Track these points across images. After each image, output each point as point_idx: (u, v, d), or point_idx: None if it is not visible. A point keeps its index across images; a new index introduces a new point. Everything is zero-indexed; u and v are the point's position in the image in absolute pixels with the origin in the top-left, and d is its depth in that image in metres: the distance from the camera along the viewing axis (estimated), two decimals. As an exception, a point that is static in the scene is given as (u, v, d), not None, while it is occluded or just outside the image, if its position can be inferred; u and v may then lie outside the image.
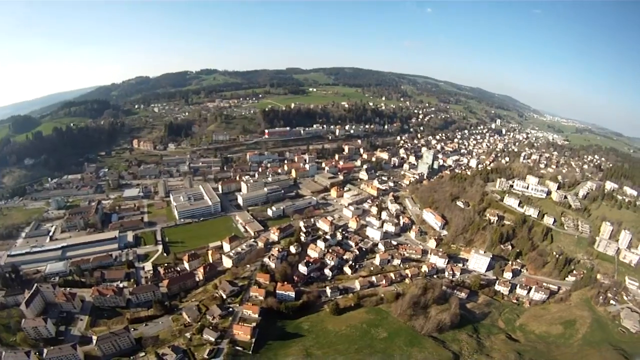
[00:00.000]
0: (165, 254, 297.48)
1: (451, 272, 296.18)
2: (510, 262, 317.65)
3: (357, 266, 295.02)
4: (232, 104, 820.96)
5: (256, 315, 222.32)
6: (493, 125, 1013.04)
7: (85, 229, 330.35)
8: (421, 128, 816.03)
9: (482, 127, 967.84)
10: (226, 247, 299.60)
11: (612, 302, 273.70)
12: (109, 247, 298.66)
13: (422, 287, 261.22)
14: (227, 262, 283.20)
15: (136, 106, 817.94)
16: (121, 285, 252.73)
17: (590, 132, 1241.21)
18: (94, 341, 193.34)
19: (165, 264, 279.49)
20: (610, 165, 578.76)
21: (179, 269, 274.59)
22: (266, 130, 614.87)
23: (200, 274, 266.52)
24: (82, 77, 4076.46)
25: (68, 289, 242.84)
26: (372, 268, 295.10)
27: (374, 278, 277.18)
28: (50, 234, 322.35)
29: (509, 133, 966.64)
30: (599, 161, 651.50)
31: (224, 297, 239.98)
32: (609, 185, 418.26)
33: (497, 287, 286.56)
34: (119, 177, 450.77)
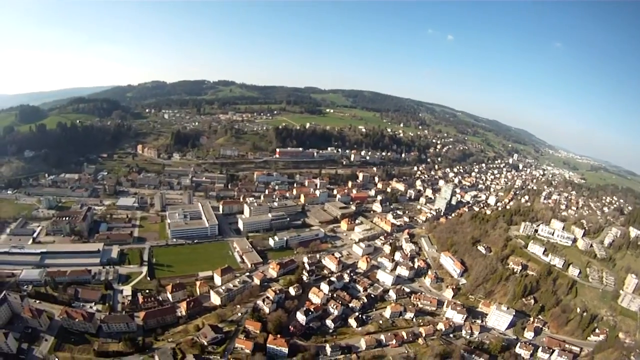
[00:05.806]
0: (149, 278, 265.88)
1: (469, 331, 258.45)
2: (532, 319, 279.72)
3: (364, 317, 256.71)
4: (245, 118, 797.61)
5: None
6: (510, 160, 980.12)
7: (70, 235, 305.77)
8: (439, 159, 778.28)
9: (499, 161, 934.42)
10: (217, 279, 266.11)
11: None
12: (90, 261, 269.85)
13: (439, 354, 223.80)
14: (216, 299, 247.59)
15: (147, 110, 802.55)
16: (94, 308, 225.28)
17: (605, 170, 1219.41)
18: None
19: (147, 291, 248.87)
20: (631, 208, 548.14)
21: (160, 298, 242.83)
22: (277, 150, 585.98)
23: (183, 309, 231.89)
24: (100, 75, 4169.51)
25: (38, 301, 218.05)
26: (381, 321, 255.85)
27: (382, 336, 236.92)
28: (35, 234, 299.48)
29: (525, 169, 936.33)
30: (617, 202, 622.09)
31: (205, 344, 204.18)
32: (634, 232, 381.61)
33: (517, 350, 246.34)
34: (117, 183, 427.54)
